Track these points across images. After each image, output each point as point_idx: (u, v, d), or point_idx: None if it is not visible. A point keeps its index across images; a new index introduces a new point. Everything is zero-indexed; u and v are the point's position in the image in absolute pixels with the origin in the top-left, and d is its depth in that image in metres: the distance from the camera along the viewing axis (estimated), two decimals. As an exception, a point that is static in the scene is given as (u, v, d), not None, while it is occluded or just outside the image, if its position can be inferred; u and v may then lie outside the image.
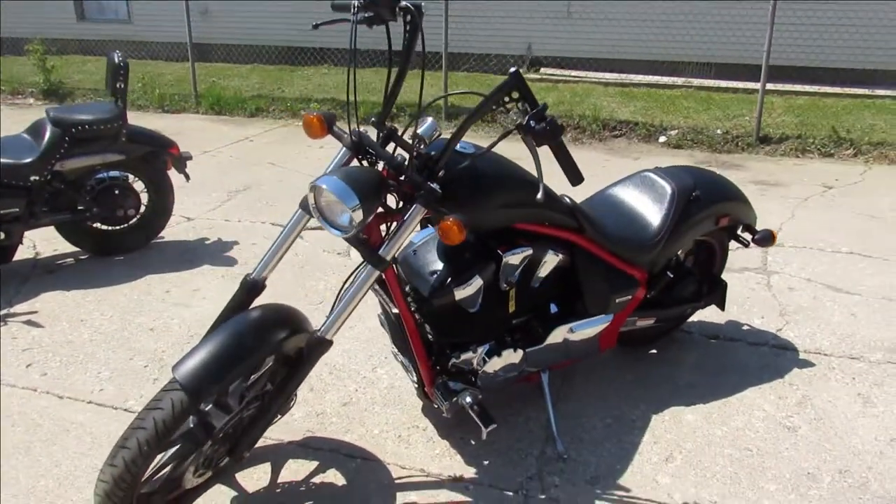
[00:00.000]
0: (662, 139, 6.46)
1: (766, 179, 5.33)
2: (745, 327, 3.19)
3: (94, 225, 3.82)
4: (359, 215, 1.81)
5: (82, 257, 3.91)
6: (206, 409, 1.98)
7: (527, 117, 1.86)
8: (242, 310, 2.03)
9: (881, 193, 5.04)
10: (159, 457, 1.86)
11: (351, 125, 1.99)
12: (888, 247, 4.08)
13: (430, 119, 2.05)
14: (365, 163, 2.03)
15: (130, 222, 3.88)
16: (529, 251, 2.22)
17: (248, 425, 1.97)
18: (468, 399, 2.23)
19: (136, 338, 3.08)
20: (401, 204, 2.03)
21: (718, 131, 6.43)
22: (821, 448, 2.41)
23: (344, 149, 2.04)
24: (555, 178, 2.11)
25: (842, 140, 6.09)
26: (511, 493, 2.20)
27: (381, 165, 2.01)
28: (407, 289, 2.24)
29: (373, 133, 2.10)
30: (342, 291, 2.06)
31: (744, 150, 6.23)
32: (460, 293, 2.16)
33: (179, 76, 8.35)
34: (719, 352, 3.00)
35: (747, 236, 2.80)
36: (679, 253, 2.73)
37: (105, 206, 3.72)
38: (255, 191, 5.02)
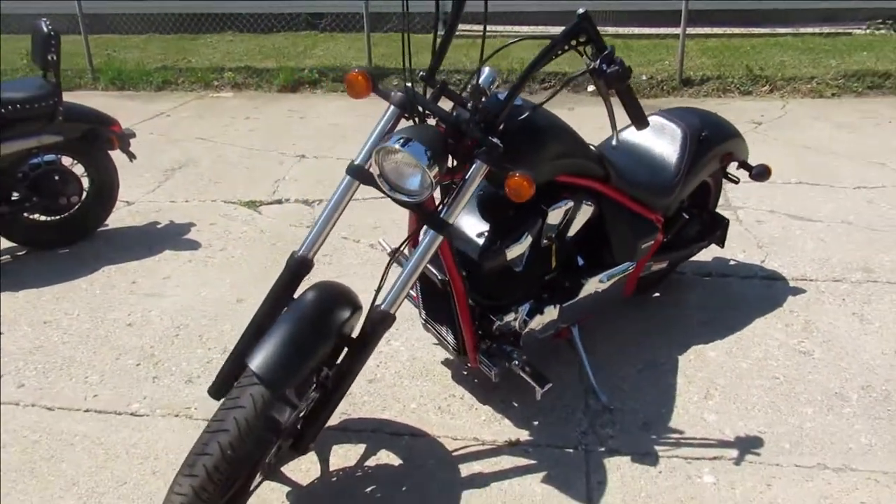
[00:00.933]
0: (591, 88, 6.50)
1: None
2: (732, 262, 3.29)
3: (31, 216, 3.43)
4: (436, 175, 1.68)
5: (19, 253, 3.51)
6: None
7: (598, 61, 1.78)
8: (291, 291, 1.86)
9: (806, 125, 5.32)
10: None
11: (404, 82, 1.86)
12: (829, 174, 4.31)
13: (487, 69, 1.93)
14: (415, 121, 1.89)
15: (72, 210, 3.51)
16: (571, 204, 2.17)
17: (311, 415, 1.83)
18: (517, 361, 2.17)
19: (116, 335, 2.80)
20: (454, 163, 1.91)
21: (644, 77, 6.55)
22: (838, 368, 2.52)
23: (392, 108, 1.88)
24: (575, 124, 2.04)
25: (758, 77, 6.37)
26: (571, 451, 2.18)
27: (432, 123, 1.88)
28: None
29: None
30: (391, 262, 1.93)
31: (669, 93, 6.40)
32: (512, 253, 2.08)
33: (67, 50, 7.59)
34: (716, 288, 3.08)
35: (743, 173, 2.86)
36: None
37: (44, 195, 3.34)
38: (193, 168, 4.67)
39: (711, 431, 2.24)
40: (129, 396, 2.45)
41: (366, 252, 3.44)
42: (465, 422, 2.30)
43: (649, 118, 2.59)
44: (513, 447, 2.19)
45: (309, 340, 1.64)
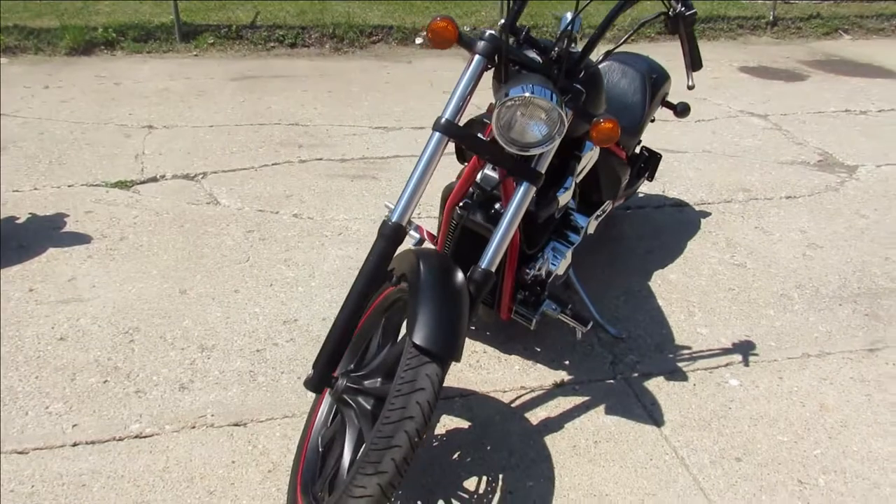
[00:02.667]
0: (419, 41, 6.55)
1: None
2: (640, 195, 3.61)
3: None
4: (565, 119, 1.64)
5: None
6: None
7: (679, 4, 1.83)
8: (388, 260, 1.71)
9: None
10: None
11: (497, 30, 1.76)
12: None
13: (568, 14, 1.88)
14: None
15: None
16: (595, 148, 2.23)
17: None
18: (555, 306, 2.22)
19: (51, 353, 2.33)
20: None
21: (466, 28, 6.72)
22: (771, 274, 2.94)
23: (477, 57, 1.77)
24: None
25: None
26: (613, 382, 2.30)
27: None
28: (497, 206, 2.10)
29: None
30: (456, 217, 1.86)
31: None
32: (563, 199, 2.11)
33: None
34: (641, 220, 3.37)
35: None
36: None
37: None
38: (18, 151, 3.92)
39: (710, 343, 2.50)
40: (119, 418, 2.08)
41: (294, 223, 3.20)
42: (502, 374, 2.31)
43: (607, 63, 2.74)
44: (561, 388, 2.26)
45: (458, 305, 1.54)
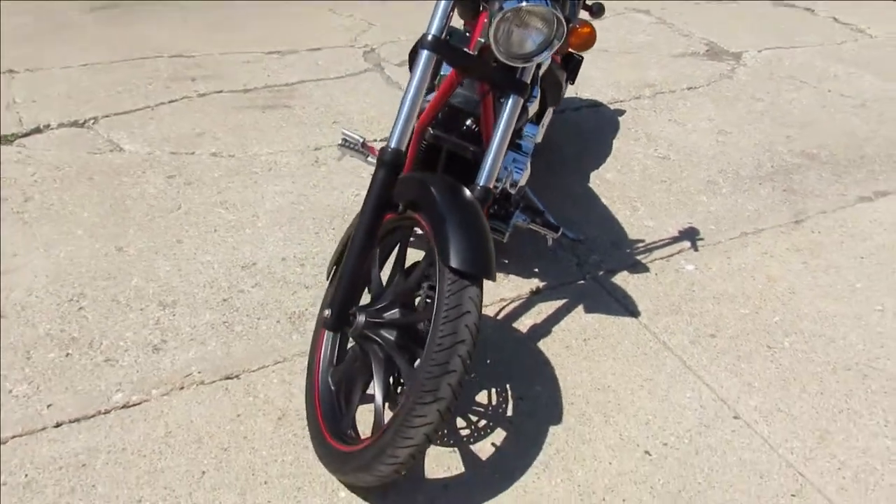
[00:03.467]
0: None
1: None
2: (556, 99, 3.66)
3: None
4: (563, 22, 1.62)
5: None
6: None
7: None
8: (392, 186, 1.65)
9: None
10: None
11: None
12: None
13: None
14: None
15: None
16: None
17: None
18: (524, 217, 2.25)
19: (-8, 334, 2.11)
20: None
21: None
22: (693, 163, 3.12)
23: None
24: None
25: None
26: (583, 282, 2.40)
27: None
28: (469, 123, 2.07)
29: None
30: (430, 137, 1.84)
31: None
32: (532, 109, 2.11)
33: None
34: (563, 123, 3.44)
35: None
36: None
37: None
38: None
39: (659, 233, 2.65)
40: (97, 391, 1.93)
41: (216, 163, 3.00)
42: (479, 289, 2.34)
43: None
44: (538, 294, 2.33)
45: (481, 224, 1.53)
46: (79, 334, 2.11)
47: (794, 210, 2.80)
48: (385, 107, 3.50)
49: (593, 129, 3.36)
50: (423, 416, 1.40)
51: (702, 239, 2.61)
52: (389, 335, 1.64)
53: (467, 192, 1.63)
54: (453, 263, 1.45)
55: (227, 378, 1.98)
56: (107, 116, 3.36)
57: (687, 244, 2.58)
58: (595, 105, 3.61)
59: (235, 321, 2.18)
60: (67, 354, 2.04)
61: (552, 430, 1.84)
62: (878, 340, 2.17)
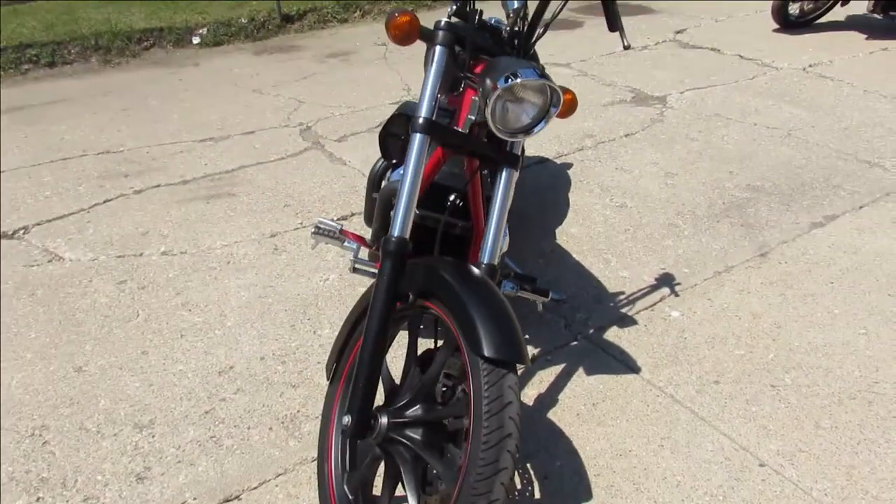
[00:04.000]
0: (196, 40, 6.04)
1: (335, 52, 5.66)
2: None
3: None
4: (559, 91, 1.60)
5: None
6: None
7: None
8: (400, 277, 1.57)
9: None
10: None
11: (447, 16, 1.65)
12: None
13: None
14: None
15: None
16: None
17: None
18: (512, 286, 2.21)
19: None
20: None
21: (243, 20, 6.32)
22: (650, 208, 3.17)
23: (440, 48, 1.64)
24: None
25: (350, 5, 6.73)
26: (576, 342, 2.36)
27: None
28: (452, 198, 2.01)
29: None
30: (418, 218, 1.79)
31: (275, 33, 6.33)
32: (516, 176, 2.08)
33: None
34: (519, 182, 3.44)
35: None
36: None
37: None
38: None
39: (636, 283, 2.66)
40: (81, 538, 1.72)
41: (168, 262, 2.84)
42: (474, 364, 2.26)
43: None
44: (536, 363, 2.27)
45: (505, 307, 1.46)
46: (48, 473, 1.89)
47: (756, 244, 2.86)
48: (335, 185, 3.43)
49: (548, 185, 3.38)
50: None
51: (679, 284, 2.63)
52: (415, 434, 1.53)
53: (478, 272, 1.57)
54: (487, 353, 1.37)
55: (227, 501, 1.81)
56: (38, 224, 3.14)
57: (666, 290, 2.59)
58: (543, 160, 3.65)
59: (224, 434, 2.01)
60: (38, 499, 1.82)
61: (585, 506, 1.76)
62: (871, 364, 2.20)
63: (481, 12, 1.74)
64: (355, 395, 1.54)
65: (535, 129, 1.64)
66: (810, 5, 5.80)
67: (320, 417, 1.85)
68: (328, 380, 1.82)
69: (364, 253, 2.20)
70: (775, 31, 5.76)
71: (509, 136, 1.63)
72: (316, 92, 4.71)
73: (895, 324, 2.38)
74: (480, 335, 1.39)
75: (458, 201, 1.97)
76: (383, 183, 2.19)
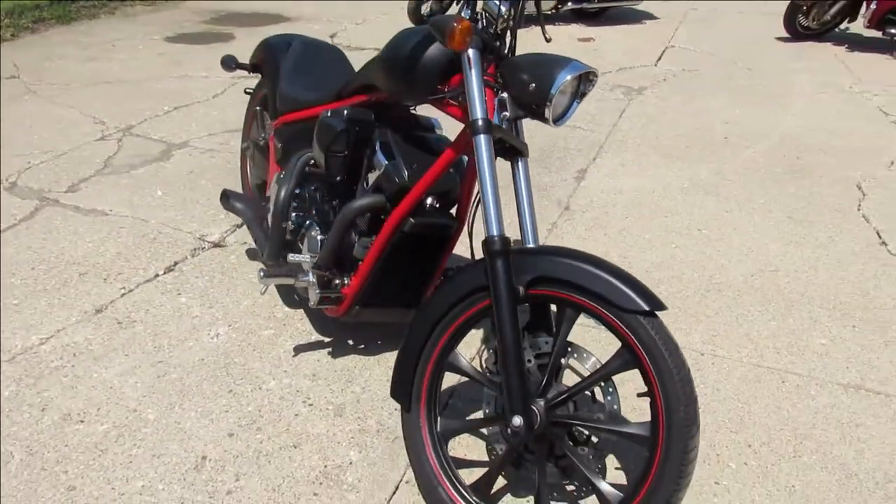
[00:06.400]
0: None
1: None
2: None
3: None
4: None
5: None
6: None
7: None
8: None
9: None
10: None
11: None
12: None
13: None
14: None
15: None
16: None
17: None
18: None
19: None
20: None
21: None
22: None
23: (473, 51, 1.63)
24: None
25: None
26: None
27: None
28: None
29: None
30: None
31: None
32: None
33: None
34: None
35: None
36: None
37: None
38: None
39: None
40: None
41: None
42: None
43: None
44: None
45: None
46: None
47: (555, 201, 3.39)
48: (120, 237, 2.93)
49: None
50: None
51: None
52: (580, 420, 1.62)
53: (567, 248, 1.66)
54: (647, 306, 1.49)
55: None
56: None
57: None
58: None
59: (270, 523, 1.72)
60: None
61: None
62: (699, 264, 2.88)
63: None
64: (514, 395, 1.54)
65: (570, 114, 1.78)
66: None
67: (408, 450, 1.74)
68: (405, 408, 1.73)
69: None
70: (413, 29, 6.47)
71: (556, 125, 1.75)
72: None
73: (690, 236, 3.12)
74: (626, 293, 1.50)
75: (445, 203, 2.01)
76: (344, 206, 2.04)
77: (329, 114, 2.15)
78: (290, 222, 2.27)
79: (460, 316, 1.69)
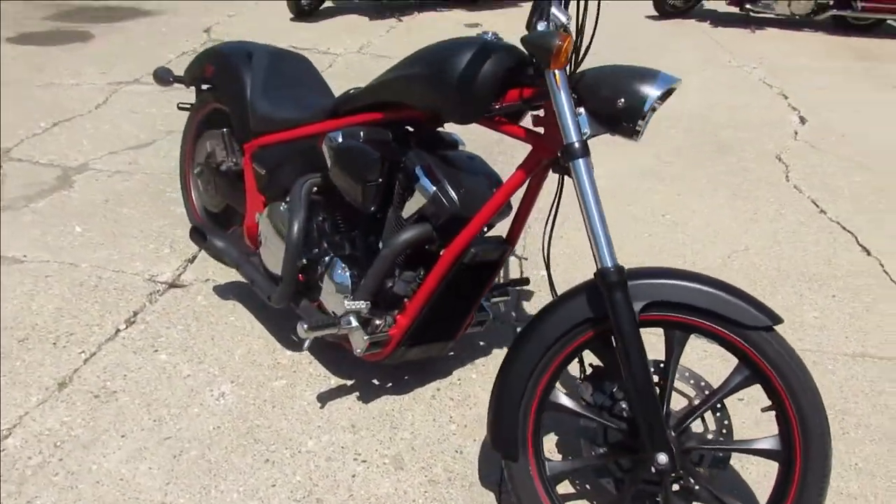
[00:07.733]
0: None
1: None
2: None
3: None
4: None
5: None
6: None
7: None
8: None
9: None
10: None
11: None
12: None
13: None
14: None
15: None
16: None
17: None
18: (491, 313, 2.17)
19: None
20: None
21: None
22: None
23: (560, 71, 1.49)
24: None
25: None
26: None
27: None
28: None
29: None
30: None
31: None
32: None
33: None
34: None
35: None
36: None
37: None
38: None
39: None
40: None
41: None
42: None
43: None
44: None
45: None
46: None
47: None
48: (52, 290, 2.49)
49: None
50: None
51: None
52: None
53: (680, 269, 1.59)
54: (770, 322, 1.46)
55: None
56: None
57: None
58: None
59: None
60: None
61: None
62: (696, 235, 2.93)
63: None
64: (655, 431, 1.45)
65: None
66: None
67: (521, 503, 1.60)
68: (512, 459, 1.59)
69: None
70: (293, 20, 6.10)
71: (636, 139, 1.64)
72: None
73: (656, 223, 3.16)
74: (743, 308, 1.46)
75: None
76: (388, 240, 1.84)
77: (340, 136, 1.93)
78: (303, 259, 2.02)
79: (561, 352, 1.58)
